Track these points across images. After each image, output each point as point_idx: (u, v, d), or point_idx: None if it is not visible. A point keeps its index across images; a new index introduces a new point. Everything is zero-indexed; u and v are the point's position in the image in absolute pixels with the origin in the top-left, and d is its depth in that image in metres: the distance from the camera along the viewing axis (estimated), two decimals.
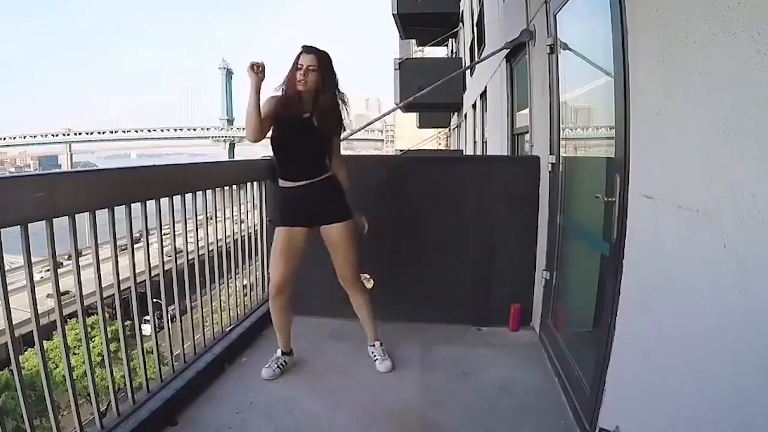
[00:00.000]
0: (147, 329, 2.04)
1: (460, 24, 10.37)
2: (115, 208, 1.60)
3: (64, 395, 1.77)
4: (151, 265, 1.88)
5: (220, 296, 2.39)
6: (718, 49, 0.96)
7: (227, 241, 2.44)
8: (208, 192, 2.22)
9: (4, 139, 75.14)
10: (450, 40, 12.58)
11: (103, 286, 1.57)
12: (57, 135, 74.19)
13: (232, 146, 73.45)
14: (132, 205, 1.71)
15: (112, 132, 75.83)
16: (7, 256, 1.28)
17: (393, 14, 10.64)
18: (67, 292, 1.97)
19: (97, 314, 1.62)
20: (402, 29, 11.69)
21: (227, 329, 2.40)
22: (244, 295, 2.64)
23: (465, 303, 2.78)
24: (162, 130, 75.71)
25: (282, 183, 2.08)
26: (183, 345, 2.12)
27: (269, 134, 2.00)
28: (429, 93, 4.14)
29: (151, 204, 1.81)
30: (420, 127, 16.99)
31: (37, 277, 1.38)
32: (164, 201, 1.91)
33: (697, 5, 1.04)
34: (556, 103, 2.33)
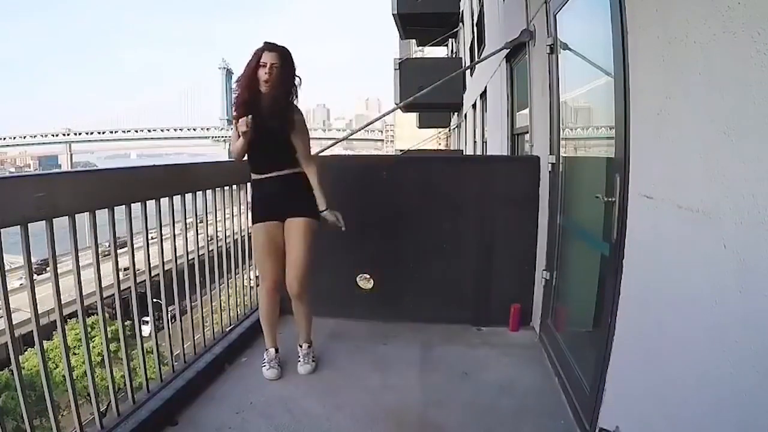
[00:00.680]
0: (146, 330, 2.04)
1: (460, 24, 10.37)
2: (115, 208, 1.60)
3: (64, 395, 1.77)
4: (151, 265, 1.88)
5: (220, 296, 2.40)
6: (718, 49, 0.96)
7: (227, 241, 2.44)
8: (208, 192, 2.22)
9: (4, 139, 75.15)
10: (450, 40, 12.58)
11: (103, 286, 1.57)
12: (57, 135, 74.20)
13: None
14: (132, 205, 1.71)
15: (112, 132, 75.85)
16: (7, 256, 1.28)
17: (393, 14, 10.64)
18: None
19: (97, 314, 1.62)
20: (402, 29, 11.69)
21: (227, 329, 2.40)
22: (244, 295, 2.64)
23: (465, 303, 2.78)
24: (162, 130, 75.74)
25: (253, 176, 2.09)
26: (183, 345, 2.12)
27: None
28: (429, 93, 4.13)
29: (151, 204, 1.81)
30: (420, 127, 16.99)
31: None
32: (164, 201, 1.91)
33: (697, 5, 1.04)
34: (556, 103, 2.33)
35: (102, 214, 1.55)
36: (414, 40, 13.35)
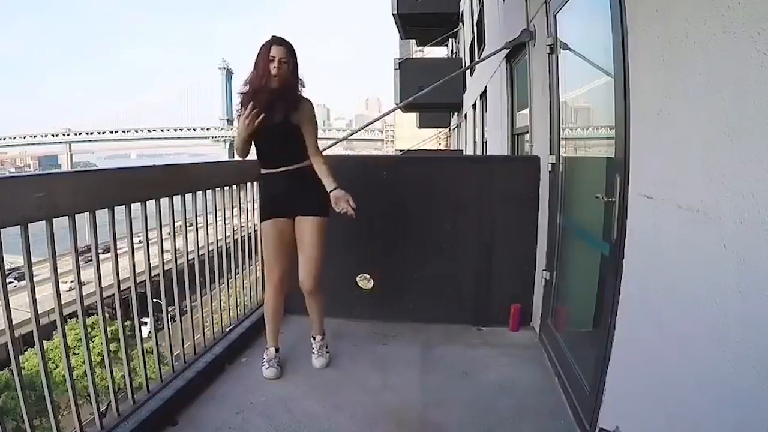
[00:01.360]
0: (145, 331, 2.03)
1: (460, 24, 10.37)
2: (115, 208, 1.60)
3: (64, 395, 1.77)
4: (151, 265, 1.88)
5: (220, 296, 2.39)
6: (718, 49, 0.96)
7: (227, 241, 2.44)
8: (208, 192, 2.22)
9: (4, 139, 75.18)
10: (450, 40, 12.58)
11: (103, 286, 1.57)
12: (57, 135, 74.23)
13: (232, 146, 73.35)
14: (132, 205, 1.71)
15: (112, 132, 75.85)
16: (7, 256, 1.28)
17: (393, 14, 10.65)
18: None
19: (97, 314, 1.62)
20: (402, 29, 11.69)
21: (227, 329, 2.40)
22: (244, 296, 2.64)
23: (465, 303, 2.78)
24: (162, 130, 75.74)
25: (263, 171, 2.09)
26: (183, 345, 2.12)
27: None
28: (429, 93, 4.13)
29: (151, 204, 1.81)
30: (420, 127, 16.99)
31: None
32: (164, 201, 1.91)
33: (697, 5, 1.04)
34: (556, 103, 2.33)
35: (102, 214, 1.55)
36: (414, 40, 13.35)
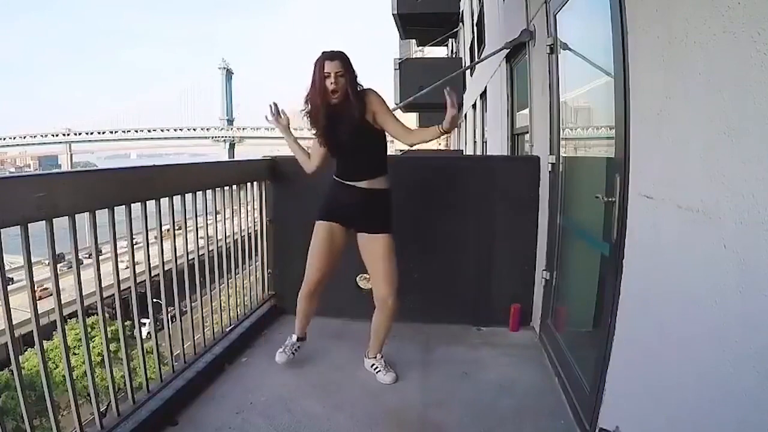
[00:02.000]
0: (144, 332, 2.03)
1: (460, 24, 10.37)
2: (115, 208, 1.60)
3: (64, 395, 1.77)
4: (151, 266, 1.88)
5: (220, 296, 2.39)
6: (718, 49, 0.96)
7: (227, 241, 2.44)
8: (208, 192, 2.22)
9: (4, 139, 75.10)
10: (450, 40, 12.59)
11: (103, 286, 1.57)
12: (57, 135, 74.15)
13: (232, 146, 73.43)
14: (132, 205, 1.71)
15: (112, 132, 75.77)
16: (6, 256, 1.28)
17: (393, 14, 10.66)
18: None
19: (97, 314, 1.62)
20: (402, 29, 11.70)
21: (227, 329, 2.40)
22: (244, 296, 2.64)
23: (465, 303, 2.77)
24: (162, 130, 75.67)
25: (336, 178, 2.06)
26: (183, 345, 2.12)
27: (323, 147, 2.05)
28: (429, 93, 4.14)
29: (151, 204, 1.81)
30: (420, 127, 16.98)
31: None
32: (164, 201, 1.91)
33: (697, 5, 1.04)
34: (556, 103, 2.33)
35: (102, 214, 1.55)
36: (414, 40, 13.36)
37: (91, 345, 1.60)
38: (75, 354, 4.92)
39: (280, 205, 2.80)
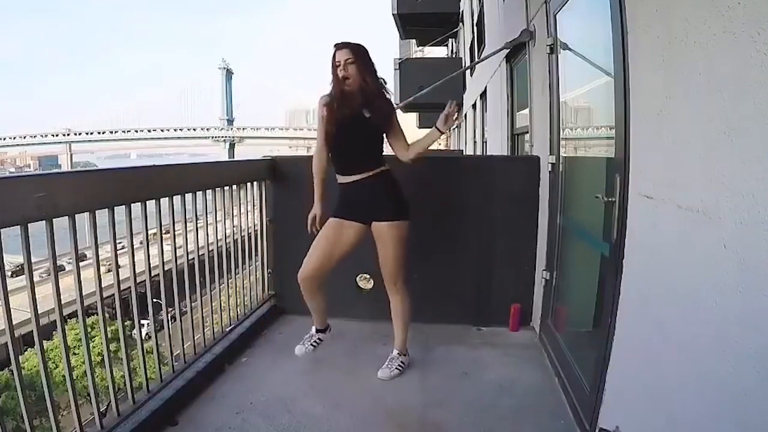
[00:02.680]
0: (144, 332, 2.03)
1: (460, 24, 10.37)
2: (115, 208, 1.60)
3: (64, 395, 1.77)
4: (151, 266, 1.88)
5: (220, 296, 2.39)
6: (718, 49, 0.96)
7: (227, 241, 2.44)
8: (208, 192, 2.22)
9: (4, 139, 75.09)
10: (450, 40, 12.59)
11: (103, 286, 1.57)
12: (57, 135, 74.15)
13: (232, 146, 73.44)
14: (132, 205, 1.71)
15: (112, 132, 75.76)
16: (6, 256, 1.28)
17: (393, 14, 10.64)
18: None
19: (97, 314, 1.62)
20: (402, 29, 11.69)
21: (227, 329, 2.40)
22: (244, 295, 2.64)
23: (465, 303, 2.77)
24: (162, 130, 75.67)
25: (338, 178, 2.09)
26: (183, 345, 2.12)
27: (324, 133, 2.06)
28: (429, 93, 4.14)
29: (151, 204, 1.81)
30: (420, 127, 16.94)
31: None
32: (164, 201, 1.91)
33: (697, 5, 1.04)
34: (556, 103, 2.33)
35: (102, 214, 1.55)
36: (414, 40, 13.34)
37: (91, 345, 1.60)
38: (75, 354, 4.91)
39: (280, 205, 2.80)
